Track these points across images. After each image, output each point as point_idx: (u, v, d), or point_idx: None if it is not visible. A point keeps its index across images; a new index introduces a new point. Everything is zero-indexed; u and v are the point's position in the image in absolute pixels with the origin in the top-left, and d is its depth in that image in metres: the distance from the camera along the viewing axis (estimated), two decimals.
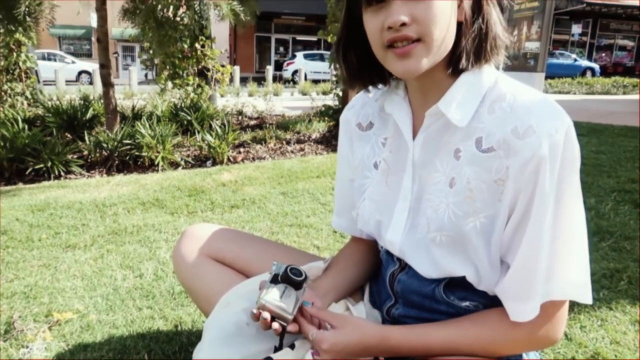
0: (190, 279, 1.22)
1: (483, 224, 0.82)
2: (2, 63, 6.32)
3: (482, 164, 0.81)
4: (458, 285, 0.90)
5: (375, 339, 0.86)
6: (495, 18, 0.80)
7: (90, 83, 15.76)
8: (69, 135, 4.82)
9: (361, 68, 0.89)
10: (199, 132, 4.39)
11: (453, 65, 0.81)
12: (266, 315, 0.88)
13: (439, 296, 0.93)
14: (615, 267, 1.97)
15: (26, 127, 4.09)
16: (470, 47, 0.79)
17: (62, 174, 3.80)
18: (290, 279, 0.88)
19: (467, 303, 0.92)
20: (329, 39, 5.16)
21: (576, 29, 24.63)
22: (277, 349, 0.93)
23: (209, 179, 3.41)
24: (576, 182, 0.78)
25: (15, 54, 6.40)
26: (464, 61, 0.80)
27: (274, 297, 0.87)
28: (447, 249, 0.86)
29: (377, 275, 1.15)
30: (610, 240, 2.24)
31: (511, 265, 0.81)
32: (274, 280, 0.89)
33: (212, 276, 1.21)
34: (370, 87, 0.94)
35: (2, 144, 3.83)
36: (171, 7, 4.57)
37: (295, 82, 15.71)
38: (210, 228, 1.27)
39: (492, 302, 0.91)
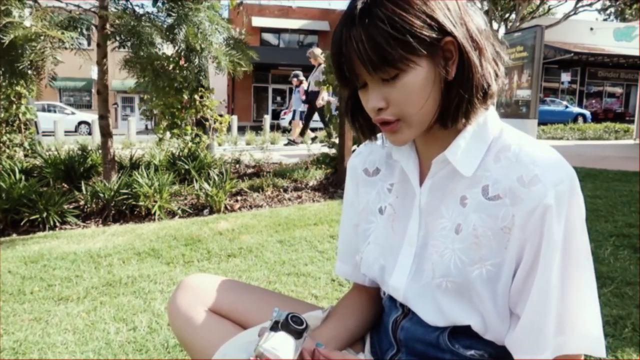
0: (186, 332, 1.20)
1: (489, 272, 0.82)
2: (2, 115, 6.40)
3: (488, 212, 0.81)
4: (463, 333, 0.88)
5: None
6: (486, 67, 0.81)
7: (89, 133, 15.94)
8: (65, 186, 4.82)
9: (370, 126, 0.92)
10: (196, 180, 4.40)
11: (445, 124, 0.82)
12: None
13: (443, 344, 0.91)
14: (619, 313, 1.93)
15: (23, 177, 4.09)
16: (458, 107, 0.79)
17: (58, 224, 3.77)
18: (290, 326, 0.86)
19: (472, 352, 0.90)
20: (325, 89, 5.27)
21: (565, 77, 25.35)
22: None
23: (206, 227, 3.39)
24: (583, 232, 0.78)
25: (15, 106, 6.48)
26: (452, 121, 0.81)
27: (273, 346, 0.84)
28: (452, 296, 0.85)
29: (379, 324, 1.13)
30: (612, 286, 2.21)
31: (521, 317, 0.80)
32: (274, 327, 0.86)
33: (209, 328, 1.19)
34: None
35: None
36: (170, 63, 4.70)
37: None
38: (207, 278, 1.25)
39: (498, 352, 0.89)
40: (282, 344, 0.84)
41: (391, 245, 0.96)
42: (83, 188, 4.18)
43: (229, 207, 4.13)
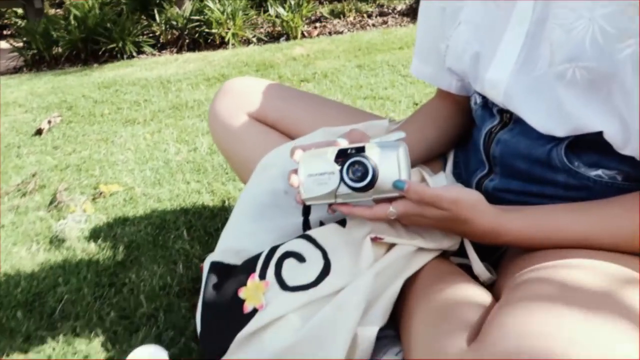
0: (227, 142, 1.00)
1: None
2: None
3: None
4: (588, 146, 0.62)
5: (485, 229, 0.62)
6: None
7: None
8: (143, 17, 4.67)
9: None
10: (271, 5, 4.02)
11: None
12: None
13: (557, 160, 0.64)
14: None
15: (97, 6, 3.95)
16: None
17: (135, 54, 3.69)
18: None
19: (598, 172, 0.63)
20: None
21: None
22: (306, 226, 0.68)
23: (280, 53, 3.11)
24: None
25: None
26: None
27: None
28: (581, 90, 0.58)
29: (466, 141, 0.87)
30: None
31: None
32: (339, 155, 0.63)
33: (252, 138, 0.98)
34: None
35: (75, 24, 3.75)
36: None
37: None
38: (252, 82, 1.01)
39: (638, 173, 0.58)
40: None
41: (491, 23, 0.68)
42: (156, 16, 3.99)
43: (306, 34, 3.77)
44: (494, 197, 0.71)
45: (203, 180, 1.49)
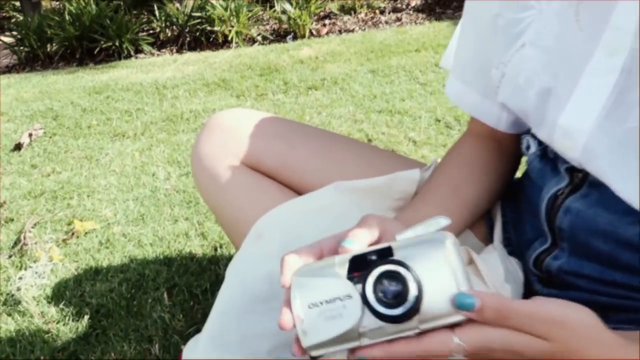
0: (213, 194, 0.80)
1: None
2: None
3: None
4: None
5: None
6: None
7: None
8: (143, 12, 4.44)
9: None
10: (277, 1, 3.78)
11: None
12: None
13: None
14: None
15: (92, 1, 3.73)
16: None
17: (132, 53, 3.47)
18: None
19: None
20: None
21: None
22: None
23: (285, 55, 2.88)
24: None
25: None
26: None
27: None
28: None
29: (516, 199, 0.67)
30: None
31: None
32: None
33: (244, 191, 0.79)
34: None
35: (70, 20, 3.54)
36: None
37: None
38: (244, 117, 0.81)
39: None
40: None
41: (570, 49, 0.50)
42: (156, 12, 3.77)
43: (314, 32, 3.53)
44: (559, 282, 0.55)
45: (193, 219, 1.27)
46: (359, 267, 0.39)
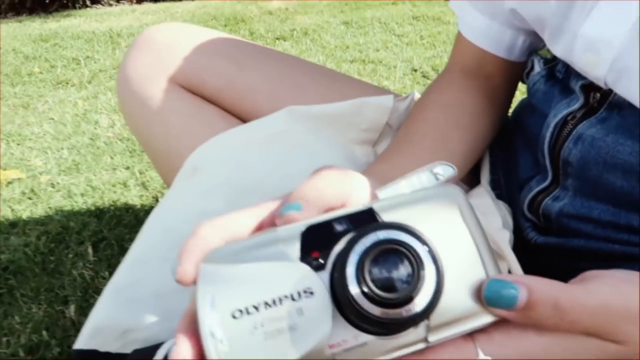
0: (141, 122, 0.68)
1: None
2: None
3: None
4: None
5: None
6: None
7: None
8: None
9: None
10: None
11: None
12: None
13: None
14: None
15: None
16: None
17: (88, 3, 3.21)
18: None
19: None
20: None
21: None
22: None
23: (254, 6, 2.69)
24: None
25: None
26: None
27: None
28: None
29: (504, 133, 0.56)
30: None
31: None
32: None
33: (179, 117, 0.62)
34: None
35: None
36: None
37: None
38: (185, 32, 0.66)
39: None
40: None
41: None
42: None
43: None
44: (559, 227, 0.44)
45: (134, 167, 1.11)
46: (319, 243, 0.23)
